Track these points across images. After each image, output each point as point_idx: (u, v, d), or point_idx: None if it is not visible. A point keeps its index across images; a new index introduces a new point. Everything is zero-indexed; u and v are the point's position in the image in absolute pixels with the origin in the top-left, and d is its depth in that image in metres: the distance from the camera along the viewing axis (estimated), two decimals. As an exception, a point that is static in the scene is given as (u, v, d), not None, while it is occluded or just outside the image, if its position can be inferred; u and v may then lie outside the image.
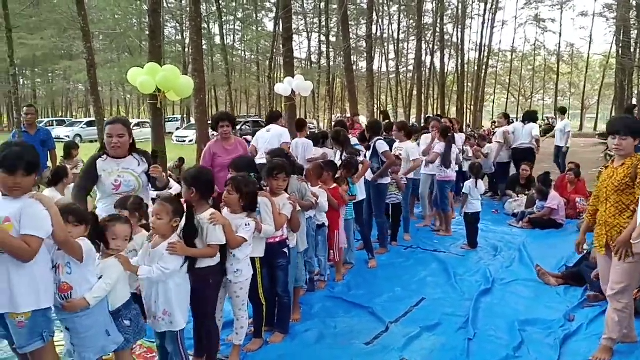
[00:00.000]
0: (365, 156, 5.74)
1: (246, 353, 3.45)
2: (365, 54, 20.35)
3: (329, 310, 4.24)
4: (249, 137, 10.78)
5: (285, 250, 3.63)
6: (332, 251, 4.75)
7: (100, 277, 2.59)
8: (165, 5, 16.96)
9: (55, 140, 7.59)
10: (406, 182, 6.44)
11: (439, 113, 19.32)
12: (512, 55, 47.27)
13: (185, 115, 36.60)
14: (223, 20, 20.14)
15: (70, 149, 7.37)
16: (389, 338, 3.71)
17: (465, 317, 4.03)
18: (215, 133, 5.45)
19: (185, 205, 2.89)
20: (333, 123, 21.76)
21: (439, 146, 6.79)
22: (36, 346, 2.47)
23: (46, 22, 27.23)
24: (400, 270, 5.31)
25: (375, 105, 23.29)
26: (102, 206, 3.63)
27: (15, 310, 2.39)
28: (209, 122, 8.40)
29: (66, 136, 24.04)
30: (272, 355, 3.47)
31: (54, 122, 33.56)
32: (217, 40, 30.34)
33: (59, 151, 7.31)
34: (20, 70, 33.31)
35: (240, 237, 3.09)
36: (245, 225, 3.11)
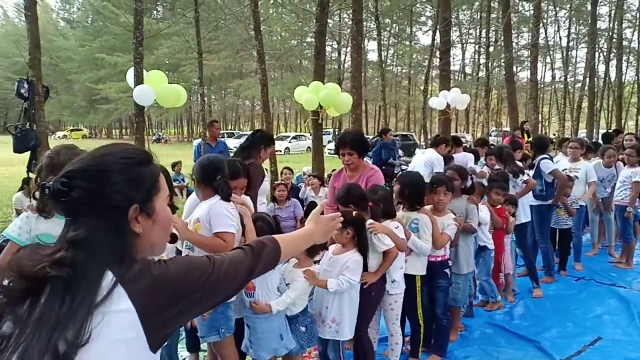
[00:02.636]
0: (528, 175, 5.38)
1: (404, 371, 3.46)
2: (530, 64, 18.91)
3: (489, 338, 4.03)
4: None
5: (447, 270, 3.57)
6: (501, 274, 4.54)
7: (287, 284, 2.83)
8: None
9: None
10: (579, 207, 5.85)
11: (615, 127, 17.14)
12: None
13: (336, 129, 38.11)
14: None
15: (244, 159, 8.26)
16: (560, 377, 3.40)
17: (655, 366, 3.51)
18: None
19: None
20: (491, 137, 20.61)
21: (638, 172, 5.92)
22: (213, 339, 2.77)
23: (222, 44, 30.78)
24: (570, 304, 4.81)
25: (538, 119, 21.59)
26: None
27: None
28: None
29: (235, 147, 26.64)
30: (429, 377, 3.42)
31: (225, 134, 37.49)
32: (369, 56, 31.14)
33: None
34: (199, 88, 38.14)
35: (401, 237, 3.14)
36: (395, 227, 3.15)
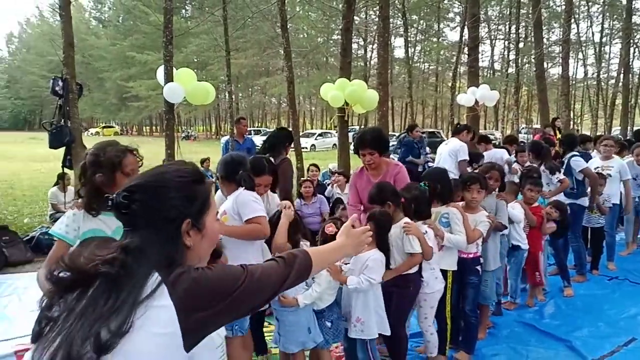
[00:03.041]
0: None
1: (431, 368, 3.43)
2: (561, 60, 18.39)
3: (519, 336, 3.98)
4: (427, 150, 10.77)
5: (478, 267, 3.54)
6: (537, 273, 4.49)
7: (313, 278, 2.85)
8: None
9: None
10: (611, 205, 5.70)
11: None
12: None
13: (362, 126, 38.02)
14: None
15: (272, 156, 8.36)
16: (592, 377, 3.33)
17: (693, 369, 3.40)
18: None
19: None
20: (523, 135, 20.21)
21: None
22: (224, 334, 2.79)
23: (249, 42, 31.05)
24: (603, 303, 4.69)
25: (570, 116, 21.04)
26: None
27: None
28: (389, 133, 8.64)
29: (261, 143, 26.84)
30: (457, 374, 3.39)
31: (252, 131, 37.83)
32: (396, 53, 30.91)
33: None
34: (227, 86, 38.65)
35: (430, 246, 3.11)
36: (424, 233, 3.12)
